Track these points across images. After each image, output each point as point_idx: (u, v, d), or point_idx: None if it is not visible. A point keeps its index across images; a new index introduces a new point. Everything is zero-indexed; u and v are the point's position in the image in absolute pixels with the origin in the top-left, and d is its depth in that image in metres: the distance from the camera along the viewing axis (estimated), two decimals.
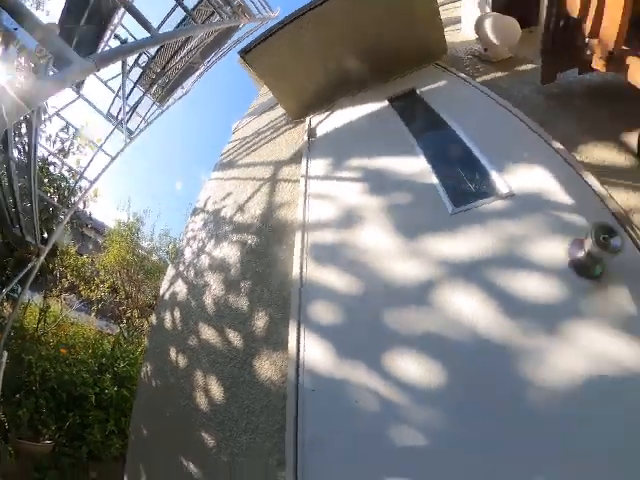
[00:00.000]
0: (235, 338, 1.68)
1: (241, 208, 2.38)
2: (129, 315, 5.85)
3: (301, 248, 1.65)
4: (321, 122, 2.46)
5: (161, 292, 2.57)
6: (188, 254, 2.53)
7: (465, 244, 1.21)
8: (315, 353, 1.26)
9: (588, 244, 0.92)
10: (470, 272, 1.14)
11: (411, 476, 0.86)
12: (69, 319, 5.08)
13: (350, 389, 1.09)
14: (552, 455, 0.82)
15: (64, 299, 5.19)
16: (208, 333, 1.83)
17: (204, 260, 2.30)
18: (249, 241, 2.06)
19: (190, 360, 1.83)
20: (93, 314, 5.74)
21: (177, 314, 2.18)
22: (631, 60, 1.23)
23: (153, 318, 2.67)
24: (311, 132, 2.38)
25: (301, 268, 1.57)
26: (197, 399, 1.62)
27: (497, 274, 1.09)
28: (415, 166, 1.64)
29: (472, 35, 2.30)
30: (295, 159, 2.34)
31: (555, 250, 1.07)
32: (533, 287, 1.03)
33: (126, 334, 5.58)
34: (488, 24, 2.01)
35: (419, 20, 2.21)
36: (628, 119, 1.40)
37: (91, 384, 3.50)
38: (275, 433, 1.24)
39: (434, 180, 1.53)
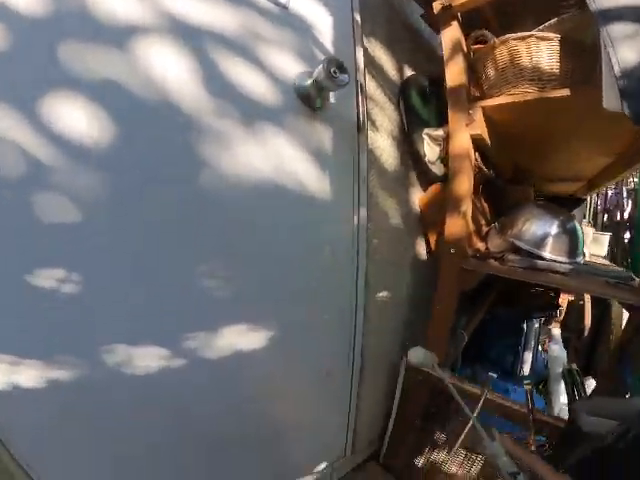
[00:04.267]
0: None
1: None
2: None
3: None
4: None
5: None
6: None
7: (207, 8, 0.91)
8: None
9: (318, 72, 1.01)
10: (196, 36, 0.88)
11: (62, 251, 0.66)
12: None
13: None
14: (219, 241, 0.89)
15: None
16: None
17: None
18: None
19: None
20: None
21: None
22: None
23: None
24: None
25: None
26: None
27: (223, 54, 0.94)
28: None
29: None
30: None
31: (290, 68, 1.08)
32: (252, 83, 0.96)
33: None
34: None
35: None
36: None
37: None
38: None
39: None
